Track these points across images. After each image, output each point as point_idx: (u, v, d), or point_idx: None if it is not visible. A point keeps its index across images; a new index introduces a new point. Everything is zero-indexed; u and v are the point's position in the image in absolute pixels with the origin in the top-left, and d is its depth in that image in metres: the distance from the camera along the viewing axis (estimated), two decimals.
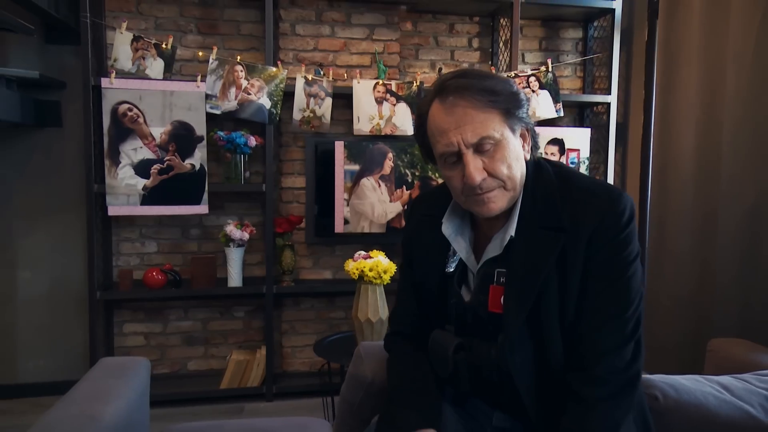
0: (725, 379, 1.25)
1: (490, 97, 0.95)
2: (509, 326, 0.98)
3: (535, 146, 1.05)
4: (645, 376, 1.19)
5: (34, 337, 2.83)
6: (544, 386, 0.99)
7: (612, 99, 2.99)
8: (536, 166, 1.04)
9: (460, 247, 1.06)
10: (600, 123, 3.09)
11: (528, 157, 1.04)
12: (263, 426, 1.58)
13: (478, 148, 0.97)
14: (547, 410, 0.99)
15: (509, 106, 0.97)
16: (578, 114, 3.26)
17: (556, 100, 2.90)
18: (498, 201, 0.99)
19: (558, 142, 2.93)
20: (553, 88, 2.90)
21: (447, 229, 1.06)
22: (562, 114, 2.91)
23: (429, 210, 1.12)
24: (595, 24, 3.15)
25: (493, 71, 3.05)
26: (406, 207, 2.85)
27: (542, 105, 2.88)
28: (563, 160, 2.94)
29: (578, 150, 2.96)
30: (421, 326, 1.12)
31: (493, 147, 0.97)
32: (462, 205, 1.04)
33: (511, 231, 1.01)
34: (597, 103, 3.08)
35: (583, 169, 2.97)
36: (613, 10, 2.95)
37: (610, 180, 3.04)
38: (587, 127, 3.14)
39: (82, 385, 1.46)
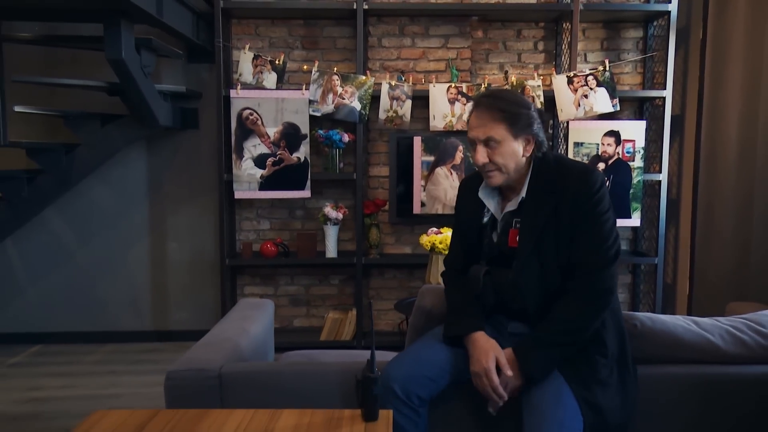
0: (702, 319, 1.62)
1: (500, 114, 1.47)
2: (521, 254, 1.48)
3: (538, 148, 1.53)
4: (631, 312, 1.60)
5: (179, 293, 3.62)
6: (543, 296, 1.47)
7: (667, 93, 3.25)
8: (543, 156, 1.54)
9: (490, 203, 1.58)
10: (658, 115, 3.36)
11: (528, 154, 1.52)
12: (351, 353, 2.17)
13: (486, 144, 1.49)
14: (543, 313, 1.47)
15: (512, 121, 1.48)
16: (638, 107, 3.54)
17: (612, 96, 3.22)
18: (495, 178, 1.51)
19: (614, 134, 3.25)
20: (609, 85, 3.22)
21: (481, 192, 1.58)
22: (618, 108, 3.23)
23: (471, 183, 1.64)
24: (655, 24, 3.41)
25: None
26: None
27: (599, 101, 3.22)
28: (619, 150, 3.26)
29: (633, 141, 3.26)
30: (465, 263, 1.64)
31: (496, 145, 1.48)
32: None
33: (523, 194, 1.52)
34: (655, 98, 3.35)
35: (638, 158, 3.27)
36: (669, 12, 3.21)
37: (665, 167, 3.31)
38: (645, 119, 3.42)
39: (233, 313, 2.10)
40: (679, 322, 1.57)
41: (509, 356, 1.45)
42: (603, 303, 1.44)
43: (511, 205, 1.54)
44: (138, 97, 2.85)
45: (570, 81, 3.22)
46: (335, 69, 3.31)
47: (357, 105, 3.28)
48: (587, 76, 3.23)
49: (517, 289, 1.49)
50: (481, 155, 1.49)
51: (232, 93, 3.24)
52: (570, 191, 1.45)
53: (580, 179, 1.46)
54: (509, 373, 1.43)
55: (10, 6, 2.67)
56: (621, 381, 1.46)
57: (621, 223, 3.30)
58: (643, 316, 1.57)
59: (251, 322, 2.00)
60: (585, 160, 3.26)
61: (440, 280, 2.76)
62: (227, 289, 3.39)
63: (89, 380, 3.00)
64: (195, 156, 3.55)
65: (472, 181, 1.65)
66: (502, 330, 1.53)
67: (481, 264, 1.58)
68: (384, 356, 2.27)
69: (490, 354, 1.45)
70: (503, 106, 1.47)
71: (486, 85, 3.29)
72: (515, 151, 1.49)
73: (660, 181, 3.32)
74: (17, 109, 2.96)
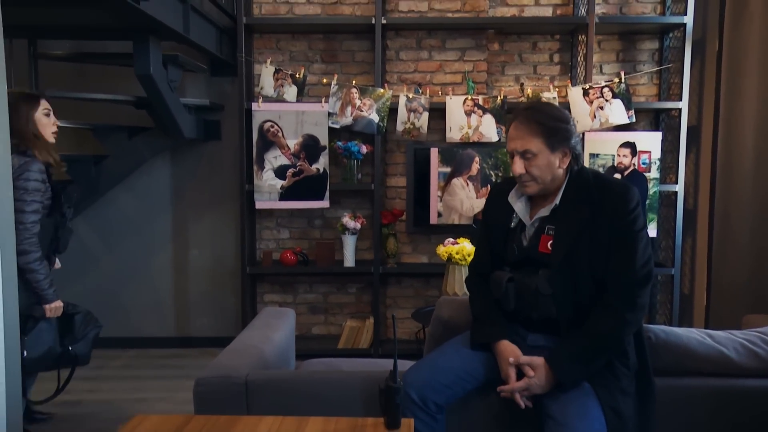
0: (716, 332, 1.65)
1: (538, 128, 1.53)
2: (554, 259, 1.52)
3: (575, 160, 1.58)
4: (645, 325, 1.64)
5: (200, 300, 3.71)
6: (572, 304, 1.51)
7: (683, 105, 3.27)
8: (580, 169, 1.60)
9: (519, 208, 1.62)
10: (674, 126, 3.38)
11: (564, 167, 1.57)
12: (370, 362, 2.23)
13: (523, 155, 1.55)
14: (572, 322, 1.51)
15: (550, 134, 1.53)
16: (654, 118, 3.56)
17: (628, 108, 3.25)
18: (530, 187, 1.58)
19: (630, 145, 3.28)
20: (625, 96, 3.25)
21: (512, 197, 1.64)
22: (633, 120, 3.26)
23: (502, 187, 1.71)
24: (671, 35, 3.44)
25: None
26: None
27: (615, 112, 3.25)
28: (635, 161, 3.29)
29: (649, 152, 3.29)
30: (489, 268, 1.68)
31: (532, 157, 1.54)
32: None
33: (557, 201, 1.57)
34: (671, 109, 3.37)
35: (654, 169, 3.30)
36: (685, 24, 3.24)
37: (682, 177, 3.33)
38: (661, 130, 3.44)
39: (257, 321, 2.17)
40: (693, 335, 1.61)
41: (539, 363, 1.49)
42: (636, 319, 1.49)
43: (544, 212, 1.59)
44: (164, 110, 2.95)
45: (585, 93, 3.26)
46: (354, 82, 3.39)
47: (375, 117, 3.35)
48: (603, 87, 3.26)
49: (544, 297, 1.53)
50: (518, 166, 1.55)
51: (254, 106, 3.33)
52: (609, 205, 1.51)
53: (619, 194, 1.51)
54: (531, 373, 1.48)
55: (47, 25, 2.79)
56: (639, 392, 1.50)
57: None
58: (657, 328, 1.61)
59: (274, 330, 2.07)
60: (600, 171, 3.30)
61: (457, 290, 2.83)
62: (247, 296, 3.47)
63: (115, 384, 3.10)
64: (217, 167, 3.65)
65: (503, 185, 1.72)
66: (521, 343, 1.57)
67: (505, 270, 1.63)
68: (401, 365, 2.32)
69: (506, 360, 1.52)
70: (542, 120, 1.54)
71: (502, 97, 3.35)
72: (551, 164, 1.55)
73: (676, 192, 3.34)
74: None
